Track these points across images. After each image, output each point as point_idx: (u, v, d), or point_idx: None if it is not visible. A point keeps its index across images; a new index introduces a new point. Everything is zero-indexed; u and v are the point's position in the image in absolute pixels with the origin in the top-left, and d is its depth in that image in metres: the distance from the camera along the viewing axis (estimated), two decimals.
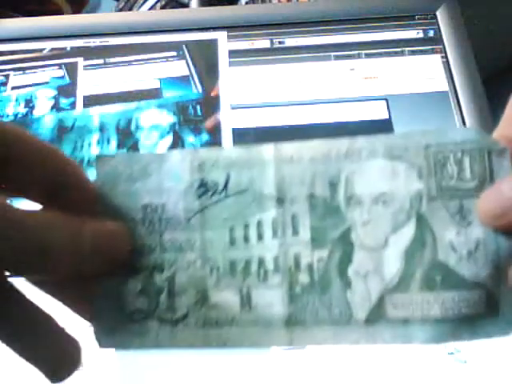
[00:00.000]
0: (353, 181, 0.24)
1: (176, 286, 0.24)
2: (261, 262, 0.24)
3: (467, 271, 0.23)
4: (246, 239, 0.24)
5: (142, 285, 0.24)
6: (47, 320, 0.22)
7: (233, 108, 0.53)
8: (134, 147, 0.52)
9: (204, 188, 0.24)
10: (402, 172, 0.23)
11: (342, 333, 0.23)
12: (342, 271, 0.23)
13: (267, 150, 0.24)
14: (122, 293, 0.24)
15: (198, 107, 0.53)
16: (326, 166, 0.24)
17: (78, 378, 0.41)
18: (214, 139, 0.52)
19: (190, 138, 0.52)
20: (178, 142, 0.52)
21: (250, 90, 0.54)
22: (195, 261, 0.24)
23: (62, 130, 0.53)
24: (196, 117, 0.53)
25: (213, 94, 0.54)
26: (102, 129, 0.52)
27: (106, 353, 0.42)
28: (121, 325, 0.24)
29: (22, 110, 0.54)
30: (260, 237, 0.24)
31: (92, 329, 0.24)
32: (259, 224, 0.24)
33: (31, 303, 0.22)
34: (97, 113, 0.53)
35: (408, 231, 0.23)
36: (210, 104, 0.53)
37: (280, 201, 0.24)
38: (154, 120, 0.53)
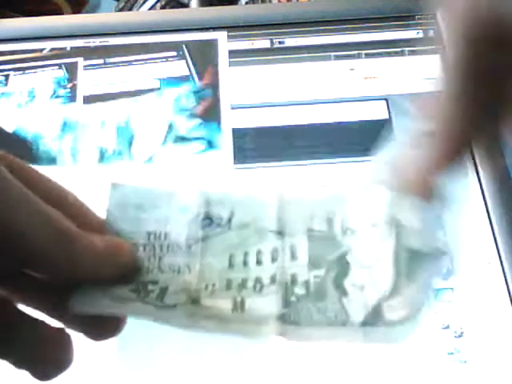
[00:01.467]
0: (347, 217, 0.25)
1: (168, 291, 0.24)
2: (258, 280, 0.24)
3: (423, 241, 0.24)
4: (245, 264, 0.25)
5: (135, 287, 0.24)
6: (33, 319, 0.22)
7: (233, 108, 0.53)
8: (134, 143, 0.52)
9: (209, 220, 0.26)
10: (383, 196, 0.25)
11: (337, 332, 0.23)
12: (339, 283, 0.24)
13: (271, 194, 0.26)
14: (111, 286, 0.24)
15: (194, 100, 0.54)
16: (323, 206, 0.26)
17: (74, 375, 0.41)
18: (208, 120, 0.52)
19: (185, 126, 0.52)
20: (172, 132, 0.52)
21: (250, 90, 0.54)
22: (191, 280, 0.24)
23: (63, 126, 0.53)
24: (193, 110, 0.53)
25: (206, 82, 0.54)
26: (102, 124, 0.52)
27: (105, 351, 0.42)
28: (103, 300, 0.23)
29: (22, 105, 0.54)
30: (259, 262, 0.25)
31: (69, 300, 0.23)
32: (259, 252, 0.25)
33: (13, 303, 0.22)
34: (98, 111, 0.53)
35: (391, 241, 0.24)
36: (206, 93, 0.53)
37: (280, 234, 0.25)
38: (151, 115, 0.53)
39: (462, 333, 0.42)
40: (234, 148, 0.51)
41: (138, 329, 0.43)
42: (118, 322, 0.24)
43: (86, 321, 0.23)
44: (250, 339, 0.23)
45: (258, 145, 0.51)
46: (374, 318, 0.23)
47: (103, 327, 0.24)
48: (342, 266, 0.24)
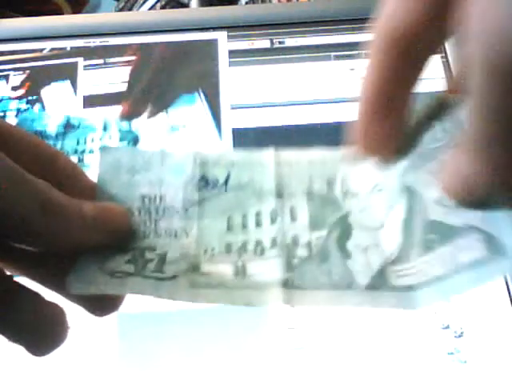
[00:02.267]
0: (348, 179, 0.24)
1: (167, 258, 0.23)
2: (258, 243, 0.24)
3: (459, 219, 0.22)
4: (244, 226, 0.24)
5: (131, 257, 0.23)
6: (26, 291, 0.21)
7: (233, 108, 0.53)
8: (136, 141, 0.52)
9: (204, 182, 0.25)
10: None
11: (343, 296, 0.22)
12: (342, 245, 0.23)
13: (268, 154, 0.25)
14: (107, 259, 0.23)
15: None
16: (322, 168, 0.25)
17: (74, 375, 0.41)
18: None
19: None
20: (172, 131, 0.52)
21: (250, 90, 0.54)
22: (189, 244, 0.24)
23: (66, 126, 0.53)
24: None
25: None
26: (105, 127, 0.52)
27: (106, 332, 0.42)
28: (100, 277, 0.22)
29: (23, 106, 0.54)
30: (258, 224, 0.24)
31: (66, 279, 0.22)
32: (258, 214, 0.24)
33: (7, 275, 0.21)
34: (101, 115, 0.53)
35: (401, 207, 0.23)
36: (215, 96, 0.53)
37: (279, 195, 0.24)
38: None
39: (462, 333, 0.42)
40: (234, 148, 0.51)
41: (138, 328, 0.43)
42: (117, 297, 0.23)
43: (85, 296, 0.22)
44: (253, 306, 0.22)
45: (258, 145, 0.51)
46: (379, 281, 0.22)
47: (103, 302, 0.23)
48: (344, 228, 0.24)
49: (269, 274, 0.23)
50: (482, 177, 0.19)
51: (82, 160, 0.50)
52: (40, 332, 0.21)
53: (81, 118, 0.53)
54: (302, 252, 0.23)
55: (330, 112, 0.52)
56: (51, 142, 0.52)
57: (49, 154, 0.23)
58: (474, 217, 0.22)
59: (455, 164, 0.20)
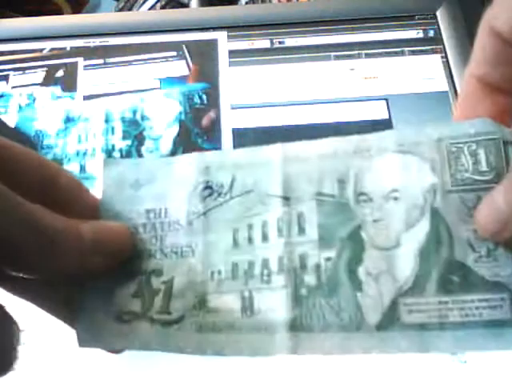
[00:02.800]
0: (362, 177, 0.23)
1: (174, 289, 0.23)
2: (264, 264, 0.22)
3: (487, 271, 0.21)
4: (250, 240, 0.23)
5: (137, 287, 0.23)
6: None
7: (233, 108, 0.53)
8: (140, 137, 0.52)
9: (209, 190, 0.24)
10: (413, 166, 0.22)
11: (352, 340, 0.21)
12: (352, 271, 0.22)
13: (274, 149, 0.24)
14: (112, 294, 0.23)
15: (204, 97, 0.53)
16: (334, 163, 0.23)
17: (74, 375, 0.41)
18: (213, 136, 0.52)
19: (196, 129, 0.52)
20: (185, 133, 0.52)
21: (250, 90, 0.54)
22: (196, 265, 0.23)
23: (66, 121, 0.53)
24: (202, 105, 0.53)
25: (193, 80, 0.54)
26: (107, 119, 0.52)
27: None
28: (107, 324, 0.22)
29: (24, 102, 0.54)
30: (265, 237, 0.23)
31: (74, 327, 0.22)
32: (264, 224, 0.23)
33: None
34: (102, 103, 0.53)
35: (422, 228, 0.22)
36: (214, 96, 0.53)
37: (286, 199, 0.23)
38: (159, 109, 0.53)
39: None
40: (234, 148, 0.51)
41: None
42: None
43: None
44: (261, 356, 0.21)
45: (258, 145, 0.51)
46: (389, 318, 0.21)
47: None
48: (356, 245, 0.22)
49: (276, 311, 0.22)
50: None
51: (84, 169, 0.50)
52: None
53: (81, 108, 0.53)
54: (310, 279, 0.22)
55: (330, 112, 0.52)
56: (52, 141, 0.52)
57: (51, 172, 0.22)
58: (504, 274, 0.21)
59: (493, 197, 0.20)
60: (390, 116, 0.52)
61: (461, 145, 0.22)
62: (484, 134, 0.22)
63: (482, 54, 0.22)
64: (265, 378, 0.41)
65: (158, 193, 0.24)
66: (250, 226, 0.23)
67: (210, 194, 0.24)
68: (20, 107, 0.54)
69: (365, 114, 0.52)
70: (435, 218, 0.22)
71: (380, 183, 0.22)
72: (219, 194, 0.24)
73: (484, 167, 0.22)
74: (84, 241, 0.21)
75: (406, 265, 0.21)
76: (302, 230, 0.23)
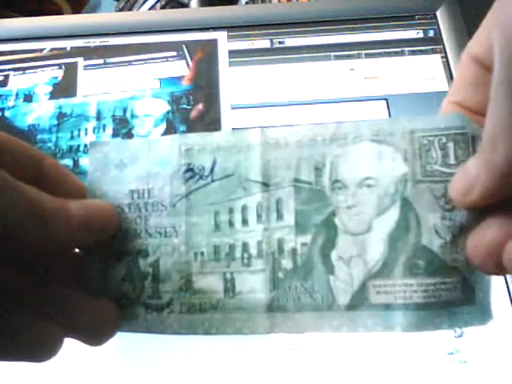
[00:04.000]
0: (338, 165, 0.24)
1: (160, 272, 0.24)
2: (245, 247, 0.24)
3: (449, 256, 0.22)
4: (231, 224, 0.24)
5: (126, 270, 0.24)
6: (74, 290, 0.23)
7: (233, 108, 0.53)
8: (129, 135, 0.52)
9: (191, 172, 0.25)
10: (387, 156, 0.23)
11: (324, 319, 0.23)
12: (326, 256, 0.23)
13: (254, 134, 0.25)
14: (107, 278, 0.24)
15: (191, 97, 0.54)
16: (311, 150, 0.24)
17: (74, 375, 0.41)
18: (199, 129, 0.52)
19: (182, 127, 0.52)
20: (170, 131, 0.52)
21: (250, 89, 0.54)
22: (179, 246, 0.24)
23: (59, 117, 0.53)
24: (189, 106, 0.53)
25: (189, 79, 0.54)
26: (98, 117, 0.53)
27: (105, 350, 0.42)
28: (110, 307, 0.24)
29: (20, 101, 0.54)
30: (244, 221, 0.24)
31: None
32: (244, 208, 0.24)
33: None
34: (94, 101, 0.54)
35: (392, 215, 0.23)
36: (201, 95, 0.53)
37: (265, 185, 0.24)
38: (148, 108, 0.53)
39: (462, 333, 0.42)
40: None
41: None
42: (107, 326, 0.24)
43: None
44: (242, 334, 0.23)
45: None
46: (358, 299, 0.23)
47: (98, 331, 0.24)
48: (329, 231, 0.23)
49: (255, 293, 0.23)
50: (484, 179, 0.20)
51: (78, 164, 0.50)
52: (94, 327, 0.23)
53: (73, 104, 0.53)
54: (286, 263, 0.23)
55: (330, 112, 0.52)
56: (45, 136, 0.52)
57: (34, 157, 0.24)
58: (461, 259, 0.22)
59: (465, 167, 0.22)
60: (389, 116, 0.52)
61: (432, 138, 0.23)
62: (454, 128, 0.23)
63: (463, 80, 0.24)
64: (265, 378, 0.41)
65: (141, 173, 0.25)
66: (231, 210, 0.24)
67: (192, 177, 0.25)
68: (16, 103, 0.54)
69: (365, 114, 0.52)
70: (405, 206, 0.23)
71: (354, 171, 0.24)
72: (201, 177, 0.25)
73: (452, 160, 0.23)
74: (74, 218, 0.22)
75: (375, 249, 0.23)
76: (280, 216, 0.24)
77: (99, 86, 0.55)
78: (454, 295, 0.22)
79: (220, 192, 0.24)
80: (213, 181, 0.25)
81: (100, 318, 0.23)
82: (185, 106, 0.53)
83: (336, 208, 0.24)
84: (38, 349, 0.22)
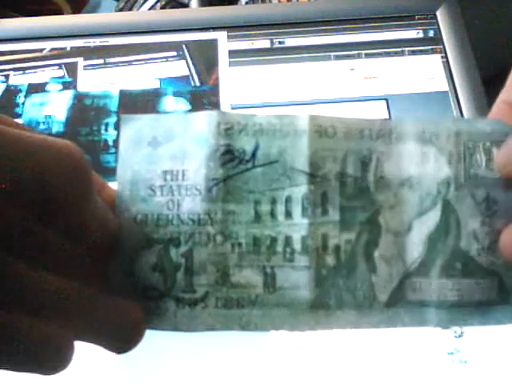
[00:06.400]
0: (383, 162, 0.23)
1: (194, 263, 0.22)
2: (287, 241, 0.23)
3: (486, 260, 0.23)
4: (273, 215, 0.23)
5: (157, 259, 0.22)
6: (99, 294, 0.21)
7: (233, 108, 0.53)
8: None
9: (230, 155, 0.23)
10: (431, 157, 0.23)
11: (365, 316, 0.23)
12: (369, 255, 0.23)
13: (302, 119, 0.23)
14: (135, 267, 0.22)
15: (208, 98, 0.54)
16: (359, 144, 0.23)
17: (74, 375, 0.41)
18: None
19: None
20: None
21: (250, 90, 0.54)
22: (215, 235, 0.22)
23: (79, 108, 0.53)
24: (210, 105, 0.53)
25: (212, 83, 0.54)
26: (120, 110, 0.53)
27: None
28: (136, 300, 0.22)
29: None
30: (288, 214, 0.23)
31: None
32: (288, 200, 0.23)
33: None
34: (117, 92, 0.54)
35: (433, 217, 0.23)
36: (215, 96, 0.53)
37: (312, 176, 0.23)
38: (170, 107, 0.53)
39: (462, 333, 0.42)
40: None
41: None
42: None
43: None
44: (284, 330, 0.23)
45: None
46: (396, 296, 0.23)
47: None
48: (373, 229, 0.23)
49: (298, 289, 0.23)
50: None
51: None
52: (119, 334, 0.21)
53: (93, 93, 0.53)
54: (330, 260, 0.23)
55: (330, 112, 0.52)
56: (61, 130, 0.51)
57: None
58: (498, 263, 0.23)
59: (509, 140, 0.22)
60: (389, 116, 0.52)
61: (477, 141, 0.23)
62: (499, 133, 0.23)
63: None
64: (265, 378, 0.41)
65: (176, 152, 0.23)
66: (273, 200, 0.23)
67: (231, 160, 0.23)
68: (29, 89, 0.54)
69: (365, 114, 0.52)
70: (446, 209, 0.23)
71: (398, 170, 0.23)
72: (240, 161, 0.23)
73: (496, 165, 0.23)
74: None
75: (415, 248, 0.23)
76: (325, 211, 0.23)
77: (99, 86, 0.55)
78: (488, 296, 0.23)
79: (262, 180, 0.23)
80: (254, 167, 0.23)
81: (123, 320, 0.21)
82: (206, 107, 0.53)
83: (380, 207, 0.23)
84: (40, 356, 0.19)
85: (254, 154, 0.23)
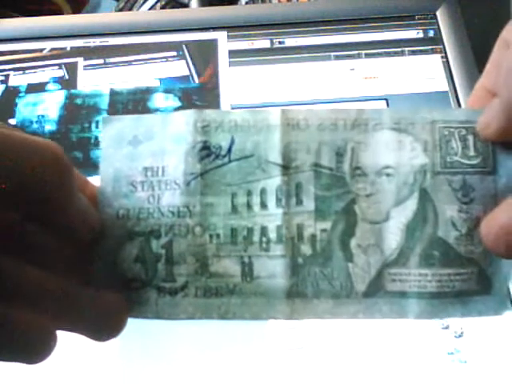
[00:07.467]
0: (359, 152, 0.24)
1: (174, 254, 0.23)
2: (263, 232, 0.23)
3: (464, 248, 0.23)
4: (249, 207, 0.24)
5: (138, 251, 0.24)
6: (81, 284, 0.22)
7: (233, 108, 0.53)
8: None
9: (207, 151, 0.24)
10: (407, 145, 0.24)
11: (342, 305, 0.23)
12: (345, 243, 0.23)
13: (274, 114, 0.24)
14: (118, 259, 0.24)
15: (201, 95, 0.54)
16: (332, 135, 0.24)
17: (74, 375, 0.41)
18: None
19: None
20: None
21: (250, 90, 0.54)
22: (194, 227, 0.24)
23: (70, 107, 0.53)
24: (201, 103, 0.53)
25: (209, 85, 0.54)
26: (110, 108, 0.53)
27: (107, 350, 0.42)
28: (119, 292, 0.23)
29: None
30: (263, 205, 0.24)
31: None
32: (263, 191, 0.24)
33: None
34: (107, 91, 0.54)
35: (410, 205, 0.23)
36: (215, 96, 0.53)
37: (285, 168, 0.24)
38: (160, 104, 0.53)
39: (462, 333, 0.42)
40: None
41: (138, 328, 0.43)
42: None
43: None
44: (260, 320, 0.23)
45: None
46: (375, 286, 0.23)
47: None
48: (349, 219, 0.23)
49: (274, 278, 0.23)
50: (499, 118, 0.22)
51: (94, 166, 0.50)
52: (101, 322, 0.22)
53: (84, 93, 0.53)
54: (306, 249, 0.23)
55: None
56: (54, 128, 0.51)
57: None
58: (477, 251, 0.23)
59: (491, 103, 0.22)
60: None
61: (452, 129, 0.23)
62: (474, 121, 0.23)
63: (494, 67, 0.24)
64: (265, 378, 0.41)
65: (156, 150, 0.24)
66: (249, 192, 0.24)
67: (208, 155, 0.24)
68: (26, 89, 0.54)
69: None
70: (423, 197, 0.23)
71: (375, 159, 0.24)
72: (217, 156, 0.24)
73: (472, 152, 0.23)
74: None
75: (392, 238, 0.23)
76: (299, 201, 0.24)
77: (99, 86, 0.55)
78: (468, 285, 0.23)
79: (237, 173, 0.24)
80: (230, 161, 0.24)
81: (105, 310, 0.22)
82: (196, 104, 0.53)
83: (356, 196, 0.23)
84: (22, 345, 0.20)
85: (229, 149, 0.24)
